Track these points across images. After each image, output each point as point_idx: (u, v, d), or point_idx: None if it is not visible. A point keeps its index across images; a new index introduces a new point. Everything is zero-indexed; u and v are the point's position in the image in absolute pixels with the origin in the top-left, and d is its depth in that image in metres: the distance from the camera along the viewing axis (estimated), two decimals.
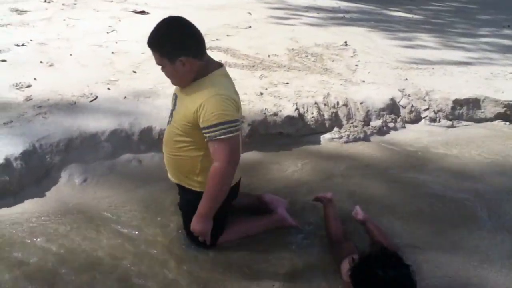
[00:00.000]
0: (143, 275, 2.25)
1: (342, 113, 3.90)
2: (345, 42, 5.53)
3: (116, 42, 4.72)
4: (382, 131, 3.95)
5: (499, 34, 7.19)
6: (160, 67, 2.09)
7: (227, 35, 5.39)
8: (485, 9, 9.41)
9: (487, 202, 3.07)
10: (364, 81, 4.42)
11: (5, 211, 2.56)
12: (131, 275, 2.25)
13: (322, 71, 4.59)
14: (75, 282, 2.17)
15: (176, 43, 1.99)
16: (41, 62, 3.99)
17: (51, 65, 3.96)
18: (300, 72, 4.47)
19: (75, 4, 6.25)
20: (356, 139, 3.76)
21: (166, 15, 2.10)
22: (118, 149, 3.08)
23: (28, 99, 3.28)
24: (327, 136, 3.75)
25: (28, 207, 2.61)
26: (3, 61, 3.92)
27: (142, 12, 6.03)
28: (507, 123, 4.37)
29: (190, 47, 2.01)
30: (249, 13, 6.67)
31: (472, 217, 2.91)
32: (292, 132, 3.64)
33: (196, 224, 2.18)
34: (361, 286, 2.01)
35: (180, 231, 2.51)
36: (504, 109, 4.37)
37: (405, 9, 8.57)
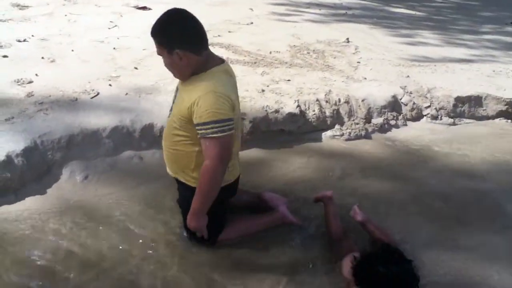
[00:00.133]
0: (145, 272, 2.26)
1: (343, 110, 3.90)
2: (347, 39, 5.52)
3: (118, 38, 4.71)
4: (384, 128, 3.94)
5: (502, 31, 7.17)
6: (162, 63, 2.09)
7: (229, 31, 5.38)
8: (487, 6, 9.38)
9: (490, 200, 3.07)
10: (366, 78, 4.41)
11: (7, 208, 2.56)
12: (132, 272, 2.25)
13: (324, 68, 4.58)
14: (76, 279, 2.18)
15: (175, 35, 1.99)
16: (42, 58, 3.98)
17: (52, 61, 3.95)
18: (301, 69, 4.46)
19: None
20: (357, 137, 3.76)
21: None
22: (119, 146, 3.08)
23: (30, 95, 3.28)
24: (329, 133, 3.74)
25: (29, 204, 2.61)
26: (5, 56, 3.91)
27: (144, 8, 6.01)
28: (509, 120, 4.37)
29: (188, 41, 2.00)
30: (251, 9, 6.65)
31: (475, 215, 2.91)
32: (293, 129, 3.64)
33: (190, 221, 2.19)
34: (364, 283, 2.02)
35: (180, 227, 2.51)
36: (506, 106, 4.37)
37: (408, 6, 8.54)
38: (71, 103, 3.25)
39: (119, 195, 2.77)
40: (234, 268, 2.34)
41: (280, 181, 3.08)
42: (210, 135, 1.99)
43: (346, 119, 3.88)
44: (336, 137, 3.72)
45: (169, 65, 2.08)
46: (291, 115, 3.59)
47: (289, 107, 3.63)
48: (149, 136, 3.17)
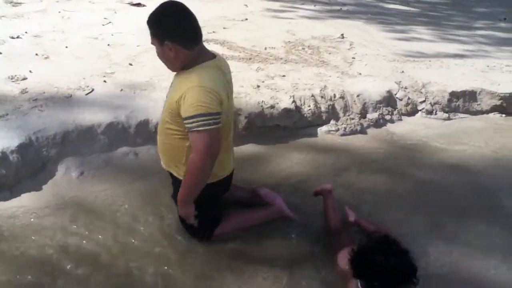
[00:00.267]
0: (141, 268, 2.26)
1: (339, 105, 3.90)
2: (342, 34, 5.52)
3: (112, 35, 4.68)
4: (379, 123, 3.95)
5: (495, 27, 7.20)
6: (156, 59, 2.10)
7: (224, 28, 5.37)
8: (481, 2, 9.40)
9: (486, 194, 3.09)
10: (360, 74, 4.41)
11: (2, 205, 2.55)
12: (128, 267, 2.25)
13: (319, 63, 4.58)
14: (72, 275, 2.18)
15: (166, 27, 1.99)
16: (36, 54, 3.96)
17: (46, 58, 3.93)
18: (296, 65, 4.46)
19: None
20: (352, 132, 3.77)
21: None
22: (114, 142, 3.08)
23: (24, 91, 3.26)
24: (324, 128, 3.75)
25: (24, 201, 2.61)
26: None
27: (138, 4, 5.99)
28: (503, 115, 4.39)
29: (179, 35, 2.00)
30: (246, 5, 6.64)
31: (471, 209, 2.93)
32: (289, 125, 3.64)
33: (179, 210, 2.21)
34: (362, 274, 2.02)
35: (176, 221, 2.51)
36: (500, 101, 4.39)
37: (402, 2, 8.55)
38: (66, 100, 3.23)
39: (114, 191, 2.77)
40: (231, 262, 2.35)
41: (276, 176, 3.08)
42: (196, 128, 1.98)
43: (341, 114, 3.89)
44: (332, 132, 3.73)
45: (160, 55, 2.09)
46: (286, 110, 3.59)
47: (285, 102, 3.63)
48: (144, 132, 3.16)
